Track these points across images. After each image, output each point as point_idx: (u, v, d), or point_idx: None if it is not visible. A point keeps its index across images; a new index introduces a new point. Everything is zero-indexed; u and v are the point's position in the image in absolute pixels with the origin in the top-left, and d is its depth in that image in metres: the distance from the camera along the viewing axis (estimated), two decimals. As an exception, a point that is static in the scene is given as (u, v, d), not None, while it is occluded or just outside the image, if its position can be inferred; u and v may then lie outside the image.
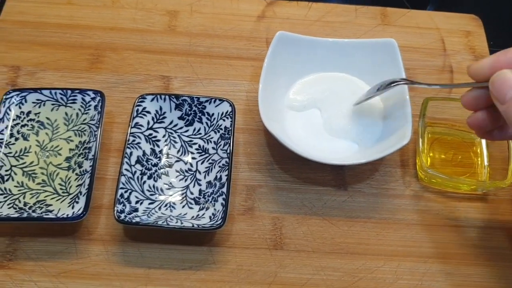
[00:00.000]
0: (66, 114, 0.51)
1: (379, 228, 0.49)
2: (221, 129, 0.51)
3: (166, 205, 0.48)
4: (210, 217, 0.46)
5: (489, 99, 0.38)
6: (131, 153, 0.48)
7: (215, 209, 0.46)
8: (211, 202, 0.47)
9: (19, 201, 0.47)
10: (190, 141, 0.51)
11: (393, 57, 0.52)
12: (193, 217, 0.46)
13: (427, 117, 0.51)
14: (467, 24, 0.63)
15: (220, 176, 0.48)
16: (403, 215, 0.50)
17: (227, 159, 0.48)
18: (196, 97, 0.51)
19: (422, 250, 0.48)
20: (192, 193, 0.49)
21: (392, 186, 0.51)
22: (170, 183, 0.49)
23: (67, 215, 0.44)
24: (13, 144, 0.49)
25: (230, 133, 0.50)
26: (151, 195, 0.48)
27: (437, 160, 0.52)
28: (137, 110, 0.50)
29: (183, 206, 0.48)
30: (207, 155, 0.50)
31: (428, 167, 0.49)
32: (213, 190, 0.48)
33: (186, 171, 0.50)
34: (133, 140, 0.49)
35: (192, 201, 0.48)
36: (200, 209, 0.47)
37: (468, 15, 0.63)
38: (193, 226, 0.45)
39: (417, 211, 0.50)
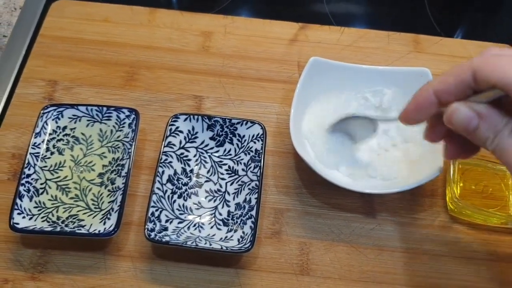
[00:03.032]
0: (101, 130, 0.52)
1: (407, 258, 0.49)
2: (252, 151, 0.51)
3: (195, 225, 0.48)
4: (238, 239, 0.46)
5: (447, 130, 0.38)
6: (163, 172, 0.49)
7: (243, 232, 0.46)
8: (239, 224, 0.47)
9: (52, 215, 0.48)
10: (220, 161, 0.52)
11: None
12: (221, 238, 0.47)
13: (458, 148, 0.51)
14: (500, 53, 0.62)
15: (250, 198, 0.48)
16: (431, 246, 0.49)
17: (257, 182, 0.49)
18: (228, 119, 0.52)
19: (450, 282, 0.48)
20: (220, 214, 0.49)
21: (421, 216, 0.51)
22: (199, 203, 0.50)
23: (99, 231, 0.45)
24: (49, 158, 0.50)
25: (260, 155, 0.50)
26: (180, 214, 0.48)
27: (467, 191, 0.52)
28: (170, 130, 0.51)
29: (212, 227, 0.48)
30: (236, 176, 0.51)
31: (458, 198, 0.49)
32: (242, 212, 0.48)
33: (216, 191, 0.50)
34: (166, 159, 0.49)
35: (221, 222, 0.48)
36: (228, 231, 0.48)
37: (501, 45, 0.63)
38: (221, 248, 0.45)
39: (445, 243, 0.50)
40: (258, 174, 0.49)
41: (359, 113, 0.50)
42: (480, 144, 0.35)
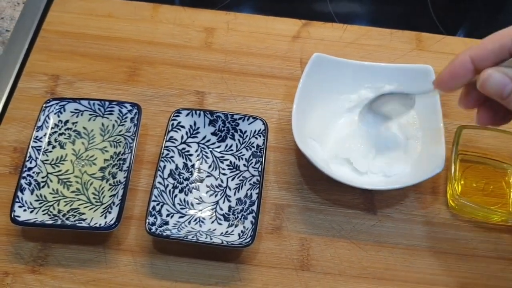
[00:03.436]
0: (103, 124, 0.52)
1: (407, 255, 0.49)
2: (253, 146, 0.51)
3: (195, 220, 0.48)
4: (239, 234, 0.46)
5: (481, 97, 0.37)
6: (164, 166, 0.49)
7: (244, 227, 0.47)
8: (240, 219, 0.47)
9: (53, 208, 0.48)
10: (222, 157, 0.52)
11: (428, 84, 0.52)
12: (222, 233, 0.47)
13: (460, 145, 0.51)
14: (503, 52, 0.62)
15: (251, 194, 0.48)
16: (431, 243, 0.49)
17: (258, 177, 0.49)
18: (230, 114, 0.52)
19: (450, 279, 0.48)
20: (221, 209, 0.49)
21: (422, 213, 0.51)
22: (201, 197, 0.50)
23: (100, 224, 0.45)
24: (50, 151, 0.50)
25: (262, 151, 0.50)
26: (181, 209, 0.48)
27: (468, 188, 0.52)
28: (172, 124, 0.51)
29: (212, 222, 0.48)
30: (238, 172, 0.51)
31: (460, 196, 0.49)
32: (243, 208, 0.48)
33: (217, 186, 0.50)
34: (167, 154, 0.50)
35: (222, 217, 0.49)
36: (229, 226, 0.48)
37: None
38: (222, 242, 0.45)
39: (446, 239, 0.50)
40: (260, 169, 0.49)
41: (394, 90, 0.49)
42: None
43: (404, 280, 0.47)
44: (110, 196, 0.48)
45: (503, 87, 0.34)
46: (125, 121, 0.52)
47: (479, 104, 0.39)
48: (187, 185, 0.50)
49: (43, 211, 0.47)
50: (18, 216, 0.46)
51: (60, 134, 0.51)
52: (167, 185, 0.48)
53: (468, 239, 0.50)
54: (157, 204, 0.47)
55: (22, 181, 0.47)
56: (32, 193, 0.48)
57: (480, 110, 0.40)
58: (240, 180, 0.50)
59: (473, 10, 0.73)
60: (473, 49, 0.35)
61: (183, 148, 0.51)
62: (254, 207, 0.47)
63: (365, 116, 0.51)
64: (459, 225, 0.50)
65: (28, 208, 0.47)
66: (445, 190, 0.52)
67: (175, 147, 0.51)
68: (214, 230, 0.47)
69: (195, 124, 0.52)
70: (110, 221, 0.45)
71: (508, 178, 0.53)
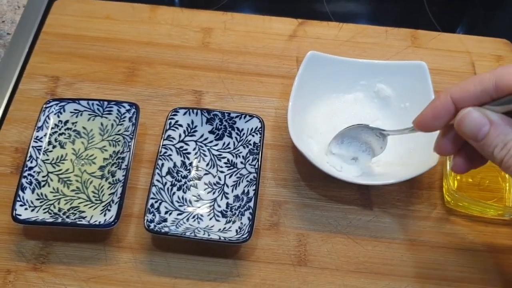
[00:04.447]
0: (102, 124, 0.53)
1: (404, 249, 0.49)
2: (250, 144, 0.52)
3: (194, 217, 0.49)
4: (236, 230, 0.47)
5: (459, 140, 0.38)
6: (162, 164, 0.49)
7: (241, 223, 0.47)
8: (237, 215, 0.48)
9: (54, 207, 0.48)
10: (219, 155, 0.53)
11: (423, 80, 0.53)
12: (220, 229, 0.48)
13: (455, 140, 0.51)
14: (498, 48, 0.63)
15: (248, 190, 0.49)
16: (428, 237, 0.50)
17: (255, 174, 0.49)
18: (226, 112, 0.53)
19: (447, 273, 0.48)
20: (219, 206, 0.50)
21: (418, 208, 0.51)
22: (199, 195, 0.50)
23: (99, 222, 0.46)
24: (51, 151, 0.51)
25: (258, 148, 0.51)
26: (180, 206, 0.49)
27: (464, 183, 0.52)
28: (170, 123, 0.51)
29: (210, 219, 0.49)
30: (235, 169, 0.51)
31: (455, 190, 0.49)
32: (240, 204, 0.49)
33: (215, 184, 0.51)
34: (165, 152, 0.50)
35: (219, 214, 0.49)
36: (227, 222, 0.48)
37: (499, 40, 0.63)
38: (219, 238, 0.46)
39: (442, 234, 0.50)
40: (256, 166, 0.50)
41: (365, 125, 0.49)
42: (487, 154, 0.35)
43: (401, 275, 0.48)
44: (109, 194, 0.49)
45: (480, 128, 0.34)
46: (123, 121, 0.52)
47: (454, 150, 0.39)
48: (185, 182, 0.51)
49: (44, 209, 0.48)
50: (20, 215, 0.46)
51: (60, 134, 0.52)
52: (166, 183, 0.49)
53: (465, 234, 0.50)
54: (156, 202, 0.48)
55: (23, 180, 0.48)
56: (33, 192, 0.48)
57: (455, 156, 0.40)
58: (237, 178, 0.51)
59: (469, 8, 0.73)
60: (455, 90, 0.35)
61: (181, 147, 0.52)
62: (251, 204, 0.47)
63: (337, 149, 0.52)
64: (455, 220, 0.51)
65: (29, 206, 0.47)
66: (441, 185, 0.53)
67: (173, 145, 0.51)
68: (212, 226, 0.48)
69: (192, 122, 0.53)
70: (110, 218, 0.46)
71: (503, 172, 0.53)
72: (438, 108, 0.36)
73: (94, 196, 0.49)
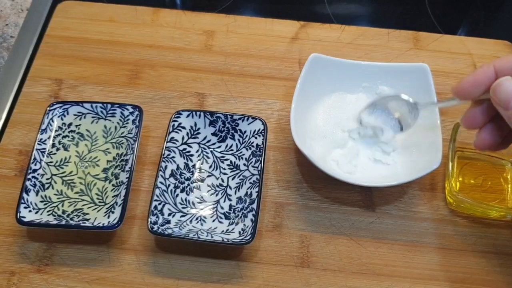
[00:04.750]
0: (105, 127, 0.53)
1: (406, 251, 0.49)
2: (253, 146, 0.52)
3: (197, 219, 0.49)
4: (239, 232, 0.47)
5: (489, 112, 0.38)
6: (165, 166, 0.50)
7: (244, 225, 0.47)
8: (240, 217, 0.48)
9: (58, 209, 0.49)
10: (222, 157, 0.53)
11: (425, 82, 0.53)
12: (223, 231, 0.48)
13: (457, 142, 0.52)
14: (500, 50, 0.63)
15: (251, 192, 0.49)
16: (430, 239, 0.50)
17: (258, 176, 0.49)
18: (229, 115, 0.53)
19: (449, 274, 0.48)
20: (222, 208, 0.50)
21: (420, 209, 0.51)
22: (202, 197, 0.51)
23: (103, 224, 0.46)
24: (55, 154, 0.51)
25: (261, 150, 0.51)
26: (183, 208, 0.49)
27: (466, 185, 0.52)
28: (173, 125, 0.52)
29: (213, 220, 0.49)
30: (238, 171, 0.52)
31: (457, 192, 0.49)
32: (243, 206, 0.49)
33: (218, 186, 0.51)
34: (168, 154, 0.50)
35: (222, 216, 0.49)
36: (230, 224, 0.48)
37: (500, 41, 0.64)
38: (223, 240, 0.46)
39: (444, 235, 0.50)
40: (259, 168, 0.50)
41: (401, 95, 0.49)
42: None
43: (403, 276, 0.48)
44: (113, 197, 0.49)
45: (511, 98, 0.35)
46: (127, 123, 0.53)
47: (482, 123, 0.40)
48: (188, 184, 0.51)
49: (47, 211, 0.48)
50: (24, 217, 0.47)
51: (64, 137, 0.52)
52: (169, 185, 0.49)
53: (467, 235, 0.50)
54: (159, 204, 0.48)
55: (27, 183, 0.48)
56: (37, 195, 0.49)
57: (481, 130, 0.40)
58: (240, 179, 0.51)
59: (471, 9, 0.74)
60: (499, 60, 0.36)
61: (184, 149, 0.52)
62: (254, 205, 0.48)
63: (367, 117, 0.52)
64: (458, 221, 0.51)
65: (33, 209, 0.48)
66: (443, 186, 0.53)
67: (176, 147, 0.51)
68: (215, 228, 0.48)
69: (195, 125, 0.53)
70: (113, 220, 0.46)
71: (505, 174, 0.53)
72: (479, 75, 0.37)
73: (97, 198, 0.50)
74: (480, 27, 0.72)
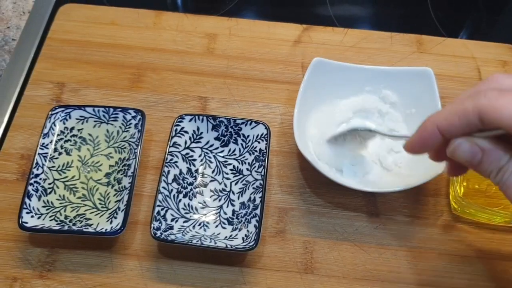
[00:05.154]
0: (107, 131, 0.53)
1: (410, 257, 0.49)
2: (256, 151, 0.52)
3: (200, 224, 0.49)
4: (243, 238, 0.47)
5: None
6: (168, 171, 0.49)
7: (248, 231, 0.47)
8: (244, 223, 0.48)
9: (60, 214, 0.48)
10: (225, 161, 0.53)
11: (429, 86, 0.53)
12: (226, 237, 0.47)
13: (461, 147, 0.51)
14: (504, 53, 0.63)
15: (254, 197, 0.49)
16: (435, 245, 0.50)
17: (261, 181, 0.49)
18: (232, 119, 0.53)
19: (454, 281, 0.48)
20: (225, 213, 0.50)
21: (424, 215, 0.51)
22: (205, 202, 0.50)
23: (106, 229, 0.46)
24: (57, 158, 0.51)
25: (264, 155, 0.51)
26: (186, 213, 0.49)
27: (471, 190, 0.52)
28: (176, 130, 0.51)
29: (217, 226, 0.49)
30: (241, 176, 0.51)
31: (462, 197, 0.49)
32: (247, 211, 0.49)
33: (220, 191, 0.51)
34: (171, 159, 0.50)
35: (226, 221, 0.49)
36: (233, 230, 0.48)
37: (504, 45, 0.63)
38: (226, 246, 0.46)
39: (449, 241, 0.50)
40: (263, 173, 0.50)
41: (362, 127, 0.50)
42: (484, 176, 0.35)
43: (408, 283, 0.48)
44: (115, 202, 0.49)
45: (472, 157, 0.35)
46: (129, 127, 0.52)
47: (448, 158, 0.39)
48: (191, 189, 0.51)
49: (50, 217, 0.48)
50: (26, 222, 0.46)
51: (66, 141, 0.52)
52: (172, 190, 0.49)
53: (472, 241, 0.50)
54: (162, 209, 0.48)
55: (30, 188, 0.48)
56: (39, 200, 0.48)
57: (449, 162, 0.40)
58: (243, 184, 0.51)
59: (473, 12, 0.73)
60: (440, 122, 0.35)
61: (187, 153, 0.52)
62: (258, 211, 0.47)
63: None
64: (462, 227, 0.51)
65: (36, 214, 0.47)
66: (447, 192, 0.52)
67: (179, 152, 0.51)
68: (218, 234, 0.48)
69: (198, 129, 0.52)
70: (116, 226, 0.46)
71: (510, 179, 0.53)
72: (426, 138, 0.37)
73: (100, 203, 0.49)
74: (482, 30, 0.72)
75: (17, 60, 0.62)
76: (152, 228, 0.46)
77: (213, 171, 0.52)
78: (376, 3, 0.73)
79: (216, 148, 0.53)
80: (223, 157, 0.53)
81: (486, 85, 0.35)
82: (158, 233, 0.46)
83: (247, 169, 0.51)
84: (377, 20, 0.72)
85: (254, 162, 0.51)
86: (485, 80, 0.35)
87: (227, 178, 0.52)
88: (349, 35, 0.63)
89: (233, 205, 0.50)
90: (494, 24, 0.73)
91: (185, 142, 0.52)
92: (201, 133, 0.53)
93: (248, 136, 0.52)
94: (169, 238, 0.46)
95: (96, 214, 0.49)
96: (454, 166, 0.40)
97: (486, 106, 0.32)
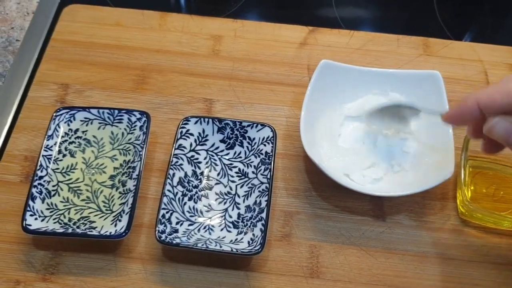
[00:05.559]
0: (112, 133, 0.52)
1: (417, 262, 0.48)
2: (262, 153, 0.51)
3: (205, 228, 0.48)
4: (248, 242, 0.46)
5: None
6: (173, 174, 0.49)
7: (253, 234, 0.47)
8: (249, 226, 0.48)
9: (64, 217, 0.48)
10: (230, 164, 0.52)
11: (437, 89, 0.52)
12: (231, 241, 0.47)
13: (469, 151, 0.51)
14: (510, 57, 0.62)
15: (260, 201, 0.48)
16: (442, 249, 0.49)
17: (267, 185, 0.49)
18: (238, 121, 0.52)
19: (461, 286, 0.47)
20: (231, 217, 0.49)
21: (431, 219, 0.51)
22: (210, 205, 0.50)
23: (110, 233, 0.46)
24: (61, 160, 0.51)
25: (270, 158, 0.50)
26: (191, 216, 0.49)
27: (478, 194, 0.52)
28: (181, 132, 0.51)
29: (222, 229, 0.48)
30: (246, 179, 0.51)
31: (470, 202, 0.49)
32: (252, 215, 0.48)
33: (226, 194, 0.51)
34: (176, 162, 0.50)
35: (231, 225, 0.49)
36: (238, 233, 0.48)
37: (511, 48, 0.63)
38: (231, 250, 0.45)
39: (456, 246, 0.49)
40: (268, 176, 0.49)
41: (405, 104, 0.50)
42: None
43: (415, 287, 0.47)
44: (120, 204, 0.48)
45: (509, 135, 0.36)
46: (134, 129, 0.52)
47: (484, 135, 0.40)
48: (196, 192, 0.50)
49: (54, 219, 0.47)
50: (30, 225, 0.46)
51: (70, 143, 0.52)
52: (177, 193, 0.49)
53: (479, 246, 0.49)
54: (167, 212, 0.47)
55: (33, 190, 0.48)
56: (43, 202, 0.48)
57: (486, 139, 0.41)
58: (249, 188, 0.50)
59: (479, 15, 0.73)
60: (482, 98, 0.37)
61: (192, 156, 0.51)
62: (263, 215, 0.47)
63: (373, 119, 0.51)
64: (469, 231, 0.50)
65: (39, 216, 0.47)
66: (454, 196, 0.52)
67: (184, 154, 0.51)
68: (223, 237, 0.47)
69: (203, 131, 0.52)
70: (120, 229, 0.46)
71: (518, 183, 0.52)
72: (464, 111, 0.38)
73: (104, 206, 0.49)
74: (488, 33, 0.71)
75: (21, 61, 0.62)
76: (157, 232, 0.45)
77: (218, 174, 0.52)
78: (382, 5, 0.73)
79: (222, 151, 0.53)
80: (228, 159, 0.52)
81: None
82: (163, 236, 0.45)
83: (253, 172, 0.51)
84: (383, 22, 0.71)
85: (260, 165, 0.51)
86: None
87: (233, 181, 0.51)
88: (355, 37, 0.63)
89: (238, 208, 0.50)
90: (500, 27, 0.72)
91: (191, 145, 0.51)
92: (207, 135, 0.52)
93: (254, 138, 0.52)
94: (174, 242, 0.45)
95: (101, 217, 0.48)
96: (490, 144, 0.41)
97: None
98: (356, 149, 0.52)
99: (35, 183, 0.48)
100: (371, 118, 0.51)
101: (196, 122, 0.52)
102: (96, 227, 0.47)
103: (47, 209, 0.48)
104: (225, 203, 0.50)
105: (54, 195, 0.49)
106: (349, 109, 0.55)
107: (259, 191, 0.49)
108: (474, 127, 0.41)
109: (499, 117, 0.36)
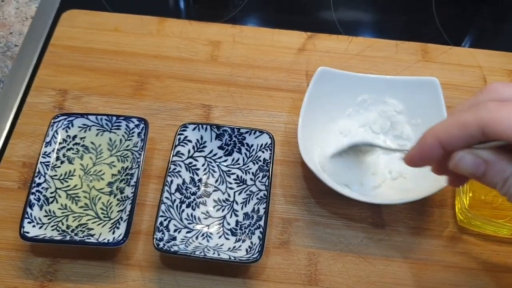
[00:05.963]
0: (110, 139, 0.52)
1: (416, 269, 0.48)
2: (260, 160, 0.51)
3: (203, 235, 0.48)
4: (246, 249, 0.46)
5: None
6: (171, 181, 0.49)
7: (251, 242, 0.47)
8: (247, 234, 0.47)
9: (62, 224, 0.48)
10: (229, 171, 0.52)
11: (435, 96, 0.52)
12: (229, 248, 0.47)
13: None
14: (509, 62, 0.62)
15: (258, 208, 0.48)
16: (440, 257, 0.49)
17: (265, 192, 0.49)
18: (236, 128, 0.52)
19: (460, 294, 0.47)
20: (229, 224, 0.49)
21: (430, 226, 0.51)
22: (208, 212, 0.50)
23: (108, 240, 0.46)
24: (59, 167, 0.51)
25: (268, 165, 0.50)
26: (189, 223, 0.49)
27: (477, 201, 0.51)
28: (179, 139, 0.51)
29: (220, 237, 0.48)
30: (245, 186, 0.51)
31: (468, 209, 0.48)
32: (250, 222, 0.48)
33: (224, 201, 0.50)
34: (174, 168, 0.50)
35: (229, 232, 0.49)
36: (236, 241, 0.48)
37: (510, 54, 0.63)
38: (229, 258, 0.45)
39: (455, 253, 0.49)
40: (267, 183, 0.49)
41: (364, 142, 0.50)
42: (490, 187, 0.35)
43: (413, 295, 0.47)
44: (118, 211, 0.48)
45: (476, 169, 0.34)
46: (132, 136, 0.52)
47: (448, 172, 0.39)
48: (194, 199, 0.50)
49: (52, 226, 0.47)
50: (28, 232, 0.46)
51: (68, 149, 0.52)
52: (175, 200, 0.49)
53: (478, 253, 0.49)
54: (165, 220, 0.47)
55: (31, 197, 0.48)
56: (41, 209, 0.48)
57: (451, 174, 0.39)
58: (247, 195, 0.50)
59: (478, 20, 0.73)
60: (441, 135, 0.34)
61: (190, 163, 0.51)
62: (262, 222, 0.47)
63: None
64: (468, 239, 0.50)
65: (37, 223, 0.47)
66: (453, 203, 0.52)
67: (182, 161, 0.51)
68: (221, 245, 0.47)
69: (201, 138, 0.52)
70: (118, 236, 0.45)
71: (516, 190, 0.52)
72: (426, 151, 0.36)
73: (102, 213, 0.49)
74: (487, 38, 0.71)
75: (20, 66, 0.62)
76: (155, 239, 0.45)
77: (216, 181, 0.52)
78: (380, 9, 0.73)
79: (220, 158, 0.52)
80: (226, 166, 0.52)
81: (485, 95, 0.34)
82: (161, 244, 0.45)
83: (251, 179, 0.51)
84: (381, 28, 0.71)
85: (258, 172, 0.51)
86: (484, 90, 0.35)
87: (231, 188, 0.51)
88: (354, 43, 0.63)
89: (236, 215, 0.49)
90: (499, 32, 0.72)
91: (189, 151, 0.51)
92: (205, 142, 0.52)
93: (252, 145, 0.52)
94: (172, 249, 0.45)
95: (99, 224, 0.48)
96: (456, 178, 0.39)
97: (488, 119, 0.32)
98: (353, 155, 0.51)
99: (33, 190, 0.48)
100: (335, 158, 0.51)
101: (194, 129, 0.52)
102: (94, 234, 0.47)
103: (45, 216, 0.48)
104: (223, 210, 0.50)
105: (52, 202, 0.49)
106: (348, 115, 0.55)
107: (257, 198, 0.49)
108: (438, 165, 0.38)
109: (463, 152, 0.34)
